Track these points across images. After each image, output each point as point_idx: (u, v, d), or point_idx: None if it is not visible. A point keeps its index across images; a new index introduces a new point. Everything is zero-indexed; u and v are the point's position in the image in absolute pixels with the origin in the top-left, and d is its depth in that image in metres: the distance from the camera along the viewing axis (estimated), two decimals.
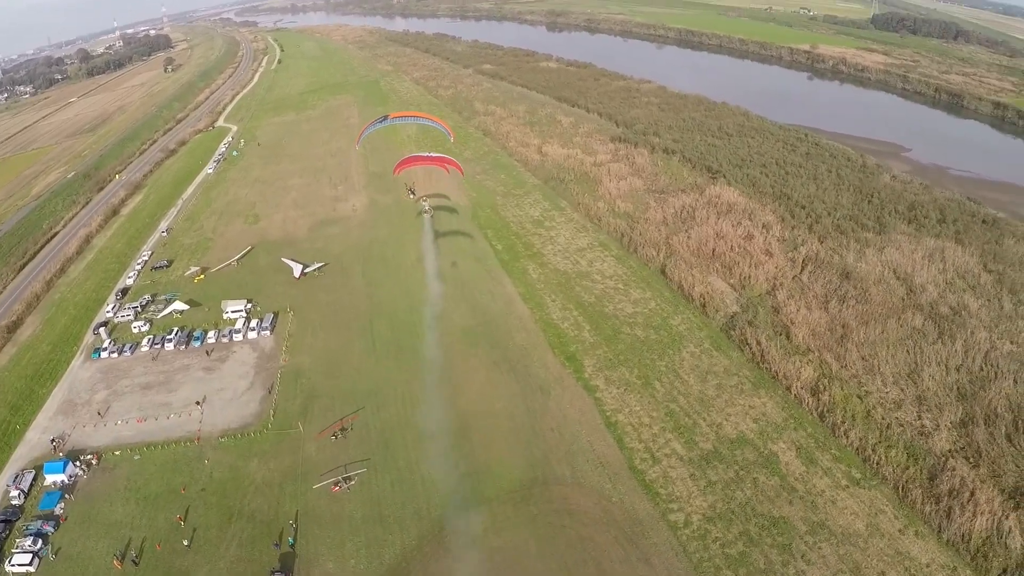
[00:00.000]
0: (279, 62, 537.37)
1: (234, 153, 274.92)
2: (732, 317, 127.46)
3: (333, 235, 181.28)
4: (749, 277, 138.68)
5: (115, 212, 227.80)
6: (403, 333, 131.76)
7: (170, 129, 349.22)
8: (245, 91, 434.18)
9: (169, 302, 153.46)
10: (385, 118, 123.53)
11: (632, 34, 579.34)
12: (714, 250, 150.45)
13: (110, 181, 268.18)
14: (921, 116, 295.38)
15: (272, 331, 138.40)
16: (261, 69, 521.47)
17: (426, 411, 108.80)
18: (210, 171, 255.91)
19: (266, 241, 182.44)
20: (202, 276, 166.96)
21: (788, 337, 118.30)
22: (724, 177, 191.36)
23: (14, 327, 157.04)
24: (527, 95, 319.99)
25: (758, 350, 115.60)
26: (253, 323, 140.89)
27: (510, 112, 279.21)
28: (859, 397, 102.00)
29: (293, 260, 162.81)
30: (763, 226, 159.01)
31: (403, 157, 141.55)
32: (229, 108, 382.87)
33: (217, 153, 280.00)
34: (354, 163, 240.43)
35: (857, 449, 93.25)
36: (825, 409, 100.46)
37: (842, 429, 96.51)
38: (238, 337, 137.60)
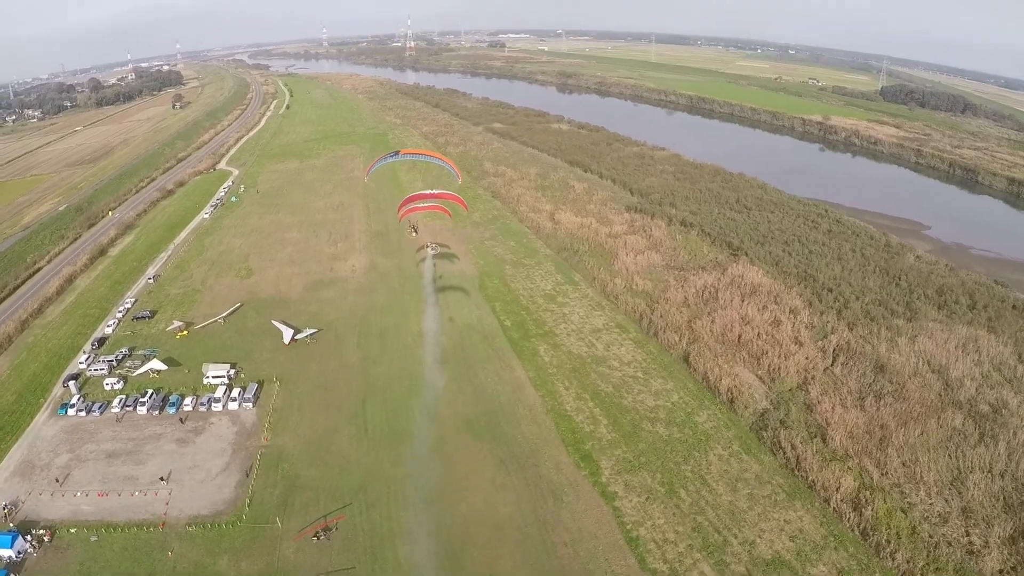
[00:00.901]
0: (287, 107, 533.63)
1: (233, 199, 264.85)
2: (762, 415, 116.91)
3: (329, 298, 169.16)
4: (779, 368, 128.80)
5: (103, 252, 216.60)
6: (399, 418, 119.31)
7: (170, 168, 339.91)
8: (251, 134, 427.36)
9: (147, 359, 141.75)
10: (396, 153, 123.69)
11: (643, 99, 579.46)
12: (740, 336, 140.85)
13: (102, 218, 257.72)
14: (937, 191, 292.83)
15: (255, 403, 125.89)
16: (269, 113, 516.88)
17: (421, 515, 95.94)
18: (206, 216, 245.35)
19: (257, 298, 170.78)
20: (185, 332, 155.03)
21: (824, 440, 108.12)
22: (746, 255, 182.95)
23: None
24: (538, 157, 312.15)
25: (792, 455, 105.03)
26: (235, 392, 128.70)
27: (521, 174, 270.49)
28: (903, 511, 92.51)
29: (284, 324, 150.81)
30: (790, 311, 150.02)
31: (405, 196, 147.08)
32: (233, 151, 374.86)
33: (215, 197, 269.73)
34: (356, 219, 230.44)
35: (904, 573, 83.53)
36: (868, 526, 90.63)
37: (887, 550, 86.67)
38: (217, 407, 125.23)
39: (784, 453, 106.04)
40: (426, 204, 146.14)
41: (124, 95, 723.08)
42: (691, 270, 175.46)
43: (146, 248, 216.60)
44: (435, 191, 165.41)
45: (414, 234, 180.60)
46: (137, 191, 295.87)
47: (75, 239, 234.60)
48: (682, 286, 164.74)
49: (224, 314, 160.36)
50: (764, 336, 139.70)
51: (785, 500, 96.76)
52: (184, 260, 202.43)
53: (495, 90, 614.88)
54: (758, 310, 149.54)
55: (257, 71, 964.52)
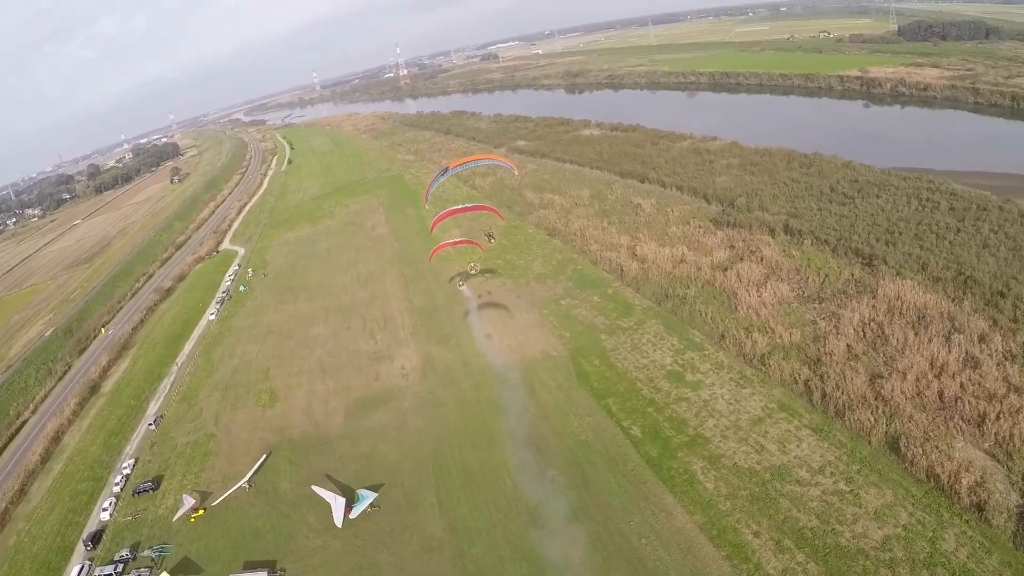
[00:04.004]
0: (289, 162, 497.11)
1: (241, 288, 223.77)
2: (1021, 516, 77.84)
3: (381, 427, 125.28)
4: (1010, 435, 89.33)
5: (94, 389, 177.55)
6: None
7: (168, 259, 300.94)
8: (253, 200, 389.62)
9: (157, 563, 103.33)
10: (446, 170, 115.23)
11: (660, 84, 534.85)
12: (941, 393, 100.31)
13: (95, 337, 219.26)
14: (1016, 132, 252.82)
15: None
16: (270, 172, 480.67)
17: None
18: (212, 317, 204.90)
19: (287, 440, 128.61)
20: (201, 512, 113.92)
21: None
22: (885, 263, 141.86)
23: None
24: (582, 173, 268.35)
25: None
26: None
27: (572, 199, 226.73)
28: None
29: (331, 492, 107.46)
30: (979, 338, 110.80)
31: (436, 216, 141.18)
32: (236, 224, 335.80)
33: (221, 290, 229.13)
34: (392, 294, 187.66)
35: None
36: None
37: None
38: None
39: None
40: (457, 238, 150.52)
41: (122, 176, 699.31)
42: (832, 299, 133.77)
43: (145, 375, 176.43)
44: (465, 205, 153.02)
45: (490, 241, 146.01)
46: (133, 294, 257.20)
47: (64, 374, 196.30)
48: (835, 327, 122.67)
49: (248, 475, 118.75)
50: (969, 387, 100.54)
51: None
52: (191, 387, 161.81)
53: (502, 104, 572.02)
54: (942, 345, 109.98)
55: (254, 127, 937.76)
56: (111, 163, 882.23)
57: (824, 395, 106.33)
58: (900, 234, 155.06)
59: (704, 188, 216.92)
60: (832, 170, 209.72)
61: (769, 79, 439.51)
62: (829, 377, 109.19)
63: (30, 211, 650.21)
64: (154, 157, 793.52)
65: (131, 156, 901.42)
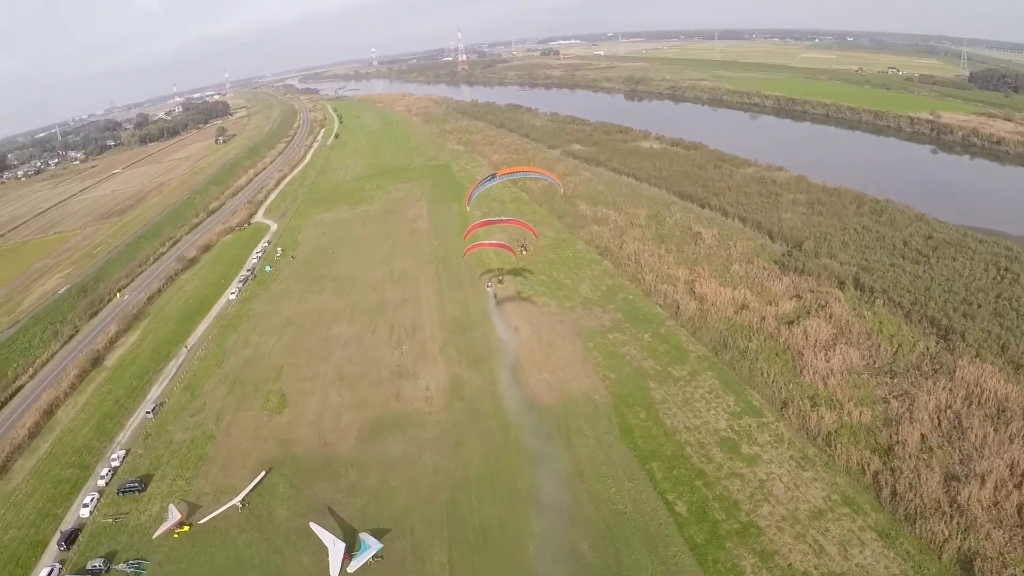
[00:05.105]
0: (336, 136, 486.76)
1: (267, 268, 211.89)
2: None
3: (395, 459, 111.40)
4: None
5: (97, 361, 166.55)
6: None
7: (198, 224, 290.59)
8: (295, 172, 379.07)
9: None
10: (493, 176, 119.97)
11: (722, 102, 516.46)
12: (1021, 508, 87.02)
13: (108, 301, 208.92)
14: None
15: None
16: (316, 144, 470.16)
17: None
18: (232, 296, 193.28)
19: (291, 457, 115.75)
20: (185, 528, 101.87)
21: None
22: (963, 339, 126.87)
23: None
24: (639, 189, 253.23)
25: None
26: None
27: (627, 217, 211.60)
28: None
29: (330, 535, 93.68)
30: None
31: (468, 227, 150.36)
32: (272, 196, 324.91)
33: (246, 267, 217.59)
34: (425, 298, 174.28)
35: None
36: None
37: None
38: None
39: None
40: (496, 240, 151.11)
41: (169, 130, 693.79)
42: (906, 375, 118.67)
43: (152, 353, 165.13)
44: (501, 218, 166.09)
45: (524, 252, 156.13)
46: (156, 259, 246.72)
47: (71, 337, 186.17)
48: (909, 411, 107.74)
49: (243, 493, 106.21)
50: None
51: None
52: (197, 375, 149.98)
53: (558, 102, 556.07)
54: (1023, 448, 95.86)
55: (306, 96, 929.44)
56: (160, 114, 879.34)
57: (895, 493, 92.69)
58: (979, 306, 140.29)
59: (769, 223, 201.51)
60: (905, 222, 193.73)
61: (836, 111, 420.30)
62: (902, 473, 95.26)
63: (73, 153, 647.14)
64: (203, 114, 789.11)
65: (181, 110, 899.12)
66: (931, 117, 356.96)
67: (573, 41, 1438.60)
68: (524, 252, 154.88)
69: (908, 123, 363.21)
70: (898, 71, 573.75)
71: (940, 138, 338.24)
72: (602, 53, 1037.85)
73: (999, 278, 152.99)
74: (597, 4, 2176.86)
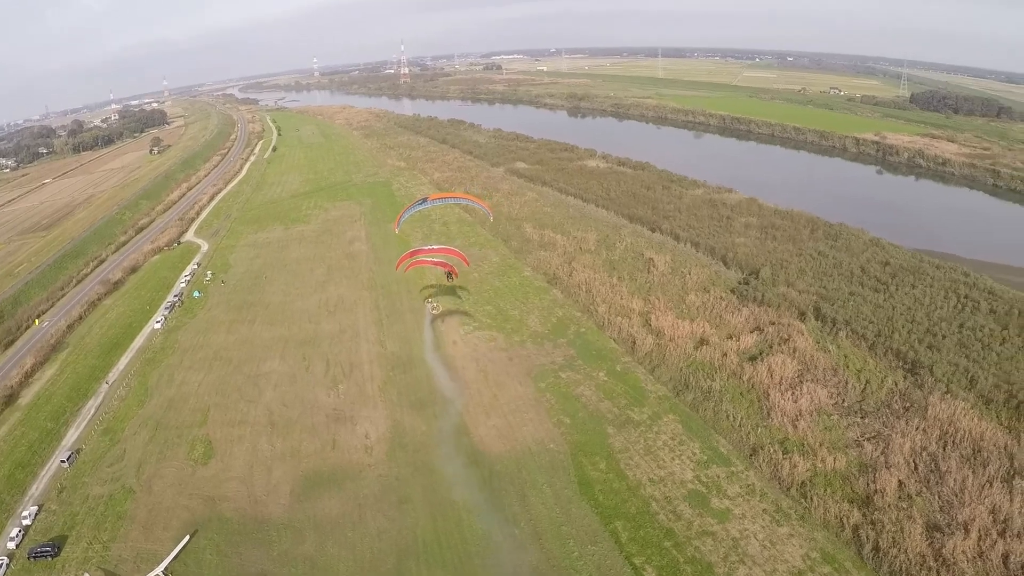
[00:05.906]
0: (274, 149, 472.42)
1: (196, 294, 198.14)
2: None
3: (333, 519, 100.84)
4: None
5: (10, 399, 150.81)
6: None
7: (125, 243, 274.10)
8: (229, 187, 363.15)
9: None
10: (425, 200, 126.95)
11: (667, 121, 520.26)
12: (1006, 558, 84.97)
13: (27, 328, 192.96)
14: None
15: None
16: (253, 158, 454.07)
17: None
18: (158, 325, 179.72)
19: (218, 517, 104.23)
20: None
21: None
22: (931, 373, 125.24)
23: None
24: (587, 211, 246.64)
25: None
26: None
27: (577, 243, 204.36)
28: None
29: None
30: None
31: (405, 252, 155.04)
32: (204, 213, 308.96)
33: (173, 292, 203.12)
34: (363, 330, 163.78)
35: None
36: None
37: None
38: None
39: None
40: (436, 257, 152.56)
41: (103, 138, 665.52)
42: (877, 415, 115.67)
43: (70, 390, 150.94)
44: (435, 246, 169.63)
45: (449, 280, 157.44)
46: (79, 281, 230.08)
47: None
48: (884, 455, 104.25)
49: (165, 563, 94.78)
50: None
51: None
52: (118, 417, 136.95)
53: (502, 118, 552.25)
54: (1003, 492, 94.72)
55: (246, 106, 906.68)
56: (96, 122, 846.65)
57: (877, 548, 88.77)
58: (944, 337, 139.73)
59: (723, 249, 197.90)
60: (860, 247, 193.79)
61: (782, 130, 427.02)
62: (883, 526, 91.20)
63: (3, 161, 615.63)
64: (140, 122, 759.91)
65: (117, 118, 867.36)
66: (877, 138, 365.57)
67: (516, 56, 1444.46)
68: (451, 279, 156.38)
69: (854, 143, 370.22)
70: (840, 91, 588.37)
71: (886, 159, 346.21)
72: (545, 69, 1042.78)
73: (960, 306, 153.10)
74: (540, 20, 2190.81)
